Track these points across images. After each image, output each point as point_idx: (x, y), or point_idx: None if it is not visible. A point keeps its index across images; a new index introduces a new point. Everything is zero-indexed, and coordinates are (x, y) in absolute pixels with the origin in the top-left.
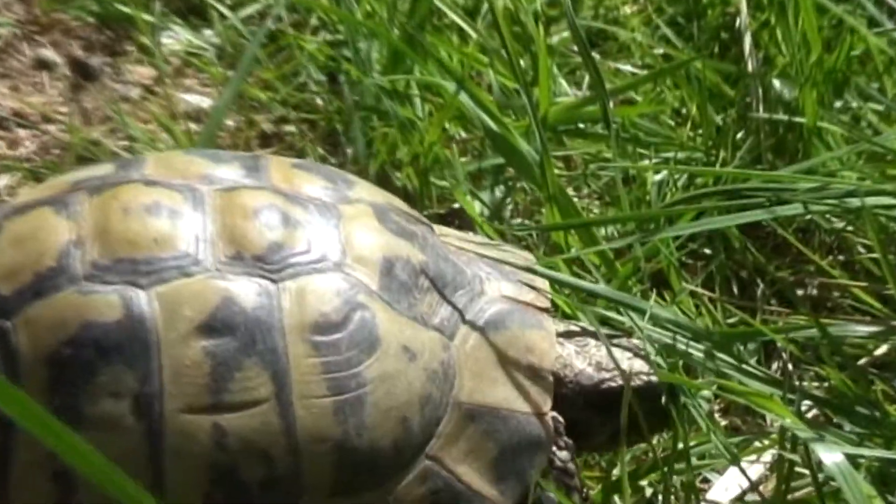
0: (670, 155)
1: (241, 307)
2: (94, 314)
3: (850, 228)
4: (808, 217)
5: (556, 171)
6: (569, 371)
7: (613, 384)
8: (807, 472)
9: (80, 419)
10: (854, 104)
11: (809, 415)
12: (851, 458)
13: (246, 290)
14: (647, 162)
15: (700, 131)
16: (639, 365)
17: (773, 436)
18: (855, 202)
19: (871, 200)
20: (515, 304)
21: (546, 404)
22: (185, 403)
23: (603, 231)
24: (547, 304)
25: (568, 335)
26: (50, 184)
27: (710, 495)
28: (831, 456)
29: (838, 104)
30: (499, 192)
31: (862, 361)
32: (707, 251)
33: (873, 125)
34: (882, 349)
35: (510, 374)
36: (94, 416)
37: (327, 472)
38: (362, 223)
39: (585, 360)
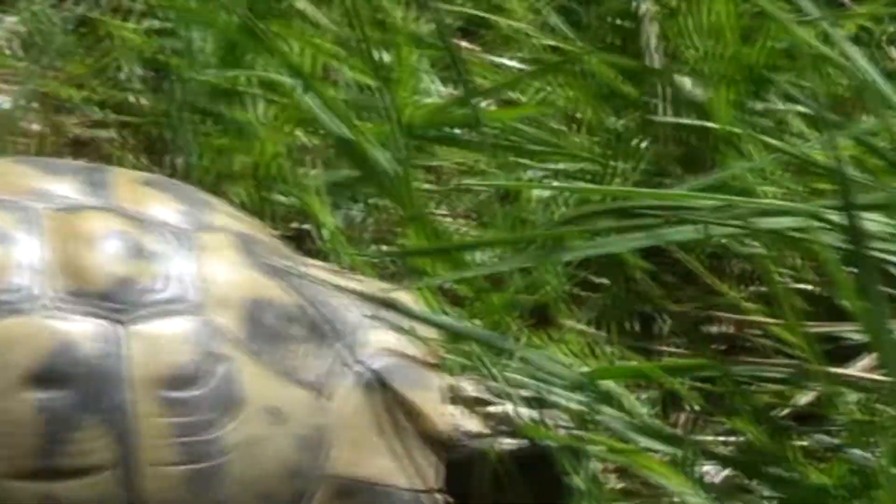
0: (559, 167)
1: (82, 354)
2: None
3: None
4: (722, 241)
5: (422, 186)
6: (460, 435)
7: (512, 449)
8: None
9: None
10: (778, 106)
11: (720, 477)
12: None
13: (88, 334)
14: (529, 175)
15: (595, 138)
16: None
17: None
18: (769, 223)
19: (784, 221)
20: (401, 359)
21: (434, 478)
22: (10, 467)
23: (478, 258)
24: (436, 359)
25: (460, 393)
26: None
27: None
28: None
29: (758, 107)
30: (355, 211)
31: (783, 413)
32: (601, 281)
33: (800, 132)
34: (806, 398)
35: (393, 442)
36: None
37: None
38: (225, 257)
39: (480, 421)
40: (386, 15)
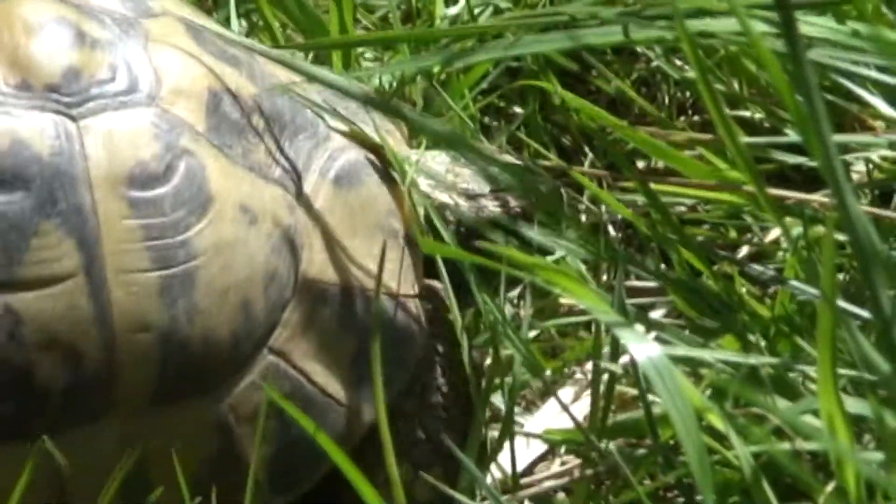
0: None
1: (34, 152)
2: None
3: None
4: (653, 64)
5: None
6: (445, 212)
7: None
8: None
9: None
10: None
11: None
12: (694, 367)
13: (40, 130)
14: None
15: None
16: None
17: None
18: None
19: (721, 24)
20: (368, 151)
21: (417, 280)
22: None
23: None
24: (405, 149)
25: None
26: None
27: (529, 424)
28: (644, 349)
29: None
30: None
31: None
32: (518, 109)
33: None
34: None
35: (368, 243)
36: None
37: (149, 371)
38: (176, 44)
39: (458, 193)
40: None
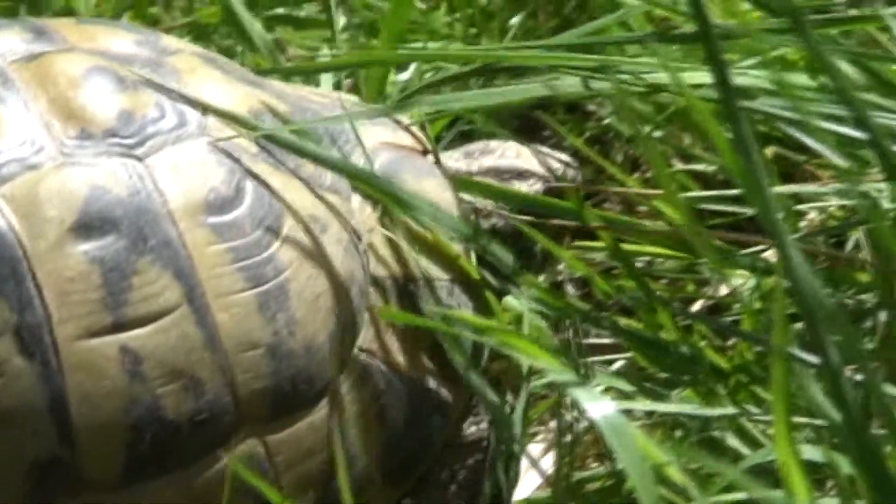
0: (417, 46)
1: (115, 195)
2: None
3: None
4: (606, 122)
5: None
6: (480, 205)
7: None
8: None
9: None
10: None
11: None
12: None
13: (113, 174)
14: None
15: (458, 15)
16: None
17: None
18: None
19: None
20: (399, 151)
21: (472, 262)
22: (80, 327)
23: None
24: (428, 146)
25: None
26: None
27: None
28: (598, 407)
29: None
30: None
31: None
32: None
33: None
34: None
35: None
36: None
37: (265, 386)
38: (204, 75)
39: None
40: None
